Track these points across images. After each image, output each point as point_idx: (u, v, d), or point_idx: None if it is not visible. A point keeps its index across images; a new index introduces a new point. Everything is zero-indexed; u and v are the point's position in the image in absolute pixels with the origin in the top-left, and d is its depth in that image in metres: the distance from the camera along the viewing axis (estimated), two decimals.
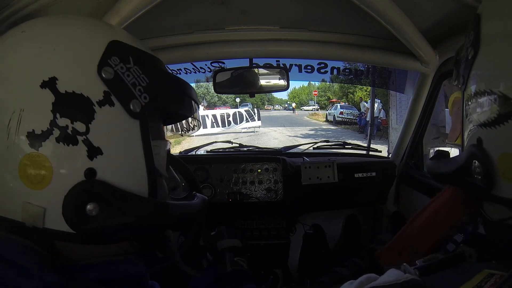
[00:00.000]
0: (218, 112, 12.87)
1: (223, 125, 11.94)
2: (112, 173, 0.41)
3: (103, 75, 0.41)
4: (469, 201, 0.52)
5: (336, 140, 1.93)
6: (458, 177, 0.47)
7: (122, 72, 0.42)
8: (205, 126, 11.56)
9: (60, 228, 0.39)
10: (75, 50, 0.42)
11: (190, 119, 0.61)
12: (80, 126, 0.39)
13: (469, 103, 0.44)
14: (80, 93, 0.40)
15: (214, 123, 11.79)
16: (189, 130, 0.67)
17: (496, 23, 0.42)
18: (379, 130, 10.74)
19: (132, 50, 0.45)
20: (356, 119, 15.27)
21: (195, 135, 11.21)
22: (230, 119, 12.17)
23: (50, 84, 0.39)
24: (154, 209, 0.44)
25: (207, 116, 11.92)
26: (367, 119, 11.17)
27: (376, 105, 9.72)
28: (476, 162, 0.42)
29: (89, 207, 0.39)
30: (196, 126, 0.65)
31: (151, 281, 0.48)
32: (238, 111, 12.89)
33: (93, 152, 0.39)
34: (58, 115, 0.38)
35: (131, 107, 0.42)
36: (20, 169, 0.38)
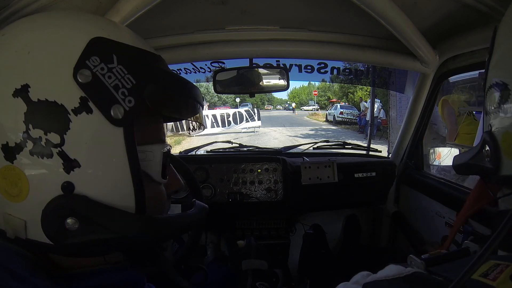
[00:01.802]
0: (218, 112, 12.87)
1: (223, 125, 11.94)
2: (92, 186, 0.38)
3: (79, 79, 0.37)
4: (487, 192, 0.54)
5: (336, 140, 1.93)
6: (473, 164, 0.49)
7: (102, 74, 0.38)
8: (205, 126, 11.54)
9: (42, 240, 0.38)
10: (50, 52, 0.38)
11: (190, 119, 0.58)
12: (54, 137, 0.36)
13: (486, 97, 0.48)
14: (53, 101, 0.36)
15: (214, 123, 11.79)
16: (190, 131, 0.65)
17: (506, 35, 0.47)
18: (379, 130, 10.75)
19: (117, 47, 0.40)
20: (356, 119, 15.28)
21: (195, 135, 11.22)
22: (230, 119, 12.17)
23: (22, 92, 0.36)
24: (139, 224, 0.40)
25: (207, 116, 11.91)
26: (367, 119, 11.17)
27: (376, 105, 9.73)
28: (487, 146, 0.45)
29: (68, 221, 0.37)
30: (196, 128, 0.62)
31: (148, 284, 0.47)
32: (238, 111, 12.88)
33: (70, 164, 0.37)
34: (30, 126, 0.36)
35: (112, 113, 0.38)
36: None
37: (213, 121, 11.78)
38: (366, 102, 12.98)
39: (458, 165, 0.56)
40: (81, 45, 0.38)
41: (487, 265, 0.37)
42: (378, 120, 10.77)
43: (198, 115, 0.53)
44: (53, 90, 0.37)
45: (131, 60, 0.41)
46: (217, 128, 11.67)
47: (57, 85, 0.37)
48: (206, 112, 13.04)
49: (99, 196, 0.38)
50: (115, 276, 0.42)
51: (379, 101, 11.35)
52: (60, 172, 0.37)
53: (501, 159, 0.43)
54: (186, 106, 0.49)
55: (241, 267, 0.88)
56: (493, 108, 0.45)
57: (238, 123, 12.26)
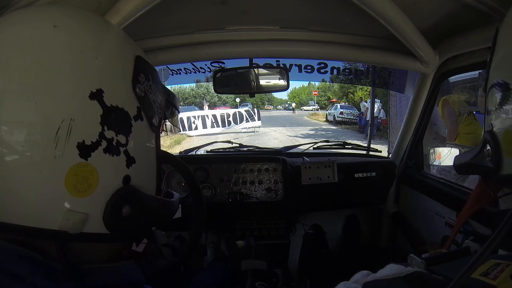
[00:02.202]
0: (218, 112, 12.87)
1: (223, 125, 11.94)
2: (140, 178, 0.46)
3: (137, 92, 0.44)
4: (488, 191, 0.54)
5: (336, 140, 1.93)
6: (475, 163, 0.50)
7: (147, 90, 0.46)
8: (205, 126, 11.57)
9: (95, 231, 0.41)
10: (113, 63, 0.44)
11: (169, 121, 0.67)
12: (122, 139, 0.42)
13: (487, 97, 0.48)
14: (122, 108, 0.42)
15: (214, 123, 11.80)
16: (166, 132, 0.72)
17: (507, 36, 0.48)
18: (379, 130, 10.75)
19: (149, 67, 0.49)
20: (356, 119, 15.28)
21: (195, 135, 11.23)
22: (230, 119, 12.17)
23: (98, 96, 0.40)
24: (164, 206, 0.51)
25: (207, 116, 11.92)
26: (367, 119, 11.18)
27: (376, 105, 9.73)
28: (488, 145, 0.45)
29: (124, 209, 0.42)
30: (170, 129, 0.71)
31: (146, 285, 0.49)
32: (238, 111, 12.88)
33: (130, 161, 0.43)
34: (105, 128, 0.40)
35: (153, 122, 0.47)
36: (67, 178, 0.39)
37: (213, 121, 11.79)
38: (366, 102, 12.98)
39: (459, 165, 0.56)
40: (130, 60, 0.45)
41: (488, 264, 0.37)
42: (378, 120, 10.77)
43: (175, 117, 0.62)
44: (121, 99, 0.43)
45: (156, 78, 0.50)
46: (217, 128, 11.67)
47: (123, 94, 0.43)
48: (207, 112, 13.06)
49: (142, 185, 0.46)
50: (117, 274, 0.44)
51: (379, 101, 11.35)
52: (123, 167, 0.43)
53: (502, 158, 0.43)
54: (173, 113, 0.59)
55: (241, 267, 0.88)
56: (494, 108, 0.45)
57: (238, 123, 12.26)
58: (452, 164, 0.87)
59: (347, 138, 10.42)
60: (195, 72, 1.64)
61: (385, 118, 10.97)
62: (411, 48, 1.12)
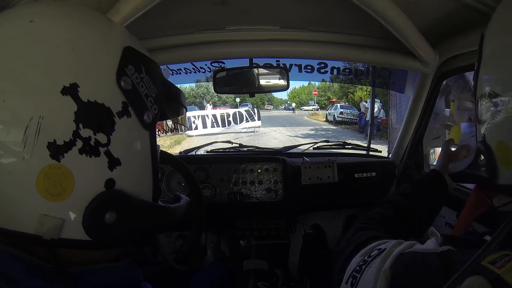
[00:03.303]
0: (218, 112, 12.87)
1: (223, 125, 11.94)
2: (128, 182, 0.42)
3: (122, 85, 0.40)
4: (485, 199, 0.55)
5: (336, 140, 1.93)
6: (470, 173, 0.50)
7: (137, 83, 0.42)
8: (205, 126, 11.57)
9: (76, 237, 0.38)
10: (93, 54, 0.40)
11: (175, 120, 0.64)
12: (102, 138, 0.38)
13: (477, 107, 0.49)
14: (101, 103, 0.39)
15: (214, 123, 11.79)
16: (173, 131, 0.68)
17: (493, 45, 0.48)
18: (379, 130, 10.74)
19: (143, 58, 0.45)
20: (356, 119, 15.27)
21: (195, 135, 11.23)
22: (230, 119, 12.17)
23: (71, 91, 0.37)
24: (160, 213, 0.47)
25: (207, 116, 11.92)
26: (367, 119, 11.17)
27: (376, 105, 9.72)
28: (482, 156, 0.46)
29: (107, 215, 0.39)
30: (177, 128, 0.66)
31: (144, 283, 0.48)
32: (238, 111, 12.88)
33: (113, 163, 0.39)
34: (81, 126, 0.37)
35: (145, 118, 0.43)
36: (38, 181, 0.36)
37: (213, 121, 11.79)
38: (366, 102, 12.98)
39: (455, 174, 0.57)
40: (117, 52, 0.41)
41: (498, 254, 0.38)
42: (378, 120, 10.76)
43: (183, 115, 0.59)
44: (101, 93, 0.39)
45: (151, 71, 0.45)
46: (217, 128, 11.67)
47: (104, 88, 0.39)
48: (207, 112, 13.05)
49: (132, 190, 0.42)
50: (114, 274, 0.43)
51: (379, 101, 11.35)
52: (105, 170, 0.39)
53: (497, 169, 0.44)
54: (178, 110, 0.55)
55: (242, 267, 0.88)
56: (485, 117, 0.45)
57: (238, 123, 12.26)
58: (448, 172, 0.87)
59: (347, 138, 10.41)
60: (195, 72, 1.64)
61: (385, 118, 10.96)
62: (411, 48, 1.12)
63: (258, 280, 0.86)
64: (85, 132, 0.37)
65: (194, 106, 22.55)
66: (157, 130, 0.48)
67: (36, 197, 0.36)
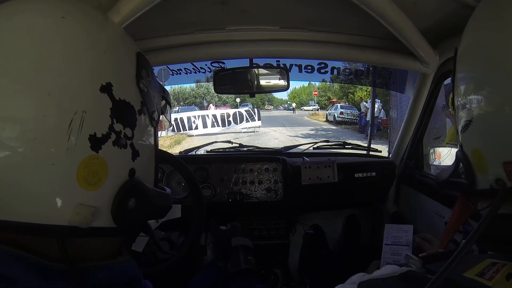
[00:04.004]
0: (218, 112, 12.87)
1: (223, 125, 11.95)
2: (143, 172, 0.46)
3: (141, 87, 0.46)
4: (469, 205, 0.56)
5: (336, 140, 1.93)
6: (452, 181, 0.52)
7: (148, 85, 0.47)
8: (205, 126, 11.58)
9: (103, 225, 0.41)
10: (119, 58, 0.44)
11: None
12: (129, 132, 0.43)
13: (456, 116, 0.51)
14: (128, 102, 0.43)
15: (214, 123, 11.80)
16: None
17: (464, 44, 0.49)
18: (379, 130, 10.75)
19: (148, 64, 0.49)
20: (356, 119, 15.27)
21: (195, 135, 11.23)
22: (230, 119, 12.17)
23: (107, 89, 0.41)
24: (165, 198, 0.52)
25: (207, 116, 11.93)
26: (367, 119, 11.17)
27: (376, 105, 9.71)
28: (461, 164, 0.48)
29: (130, 203, 0.43)
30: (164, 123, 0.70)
31: (144, 280, 0.49)
32: (238, 111, 12.88)
33: (135, 154, 0.44)
34: (114, 121, 0.41)
35: (154, 116, 0.49)
36: (79, 171, 0.38)
37: (213, 121, 11.80)
38: (366, 102, 12.98)
39: (440, 183, 0.58)
40: (133, 57, 0.46)
41: (484, 264, 0.37)
42: (379, 120, 10.76)
43: (166, 113, 0.63)
44: (128, 93, 0.44)
45: (153, 75, 0.51)
46: (217, 128, 11.68)
47: (129, 89, 0.44)
48: (207, 112, 13.06)
49: (145, 178, 0.46)
50: (115, 270, 0.44)
51: (379, 101, 11.35)
52: (129, 161, 0.44)
53: (474, 175, 0.45)
54: (165, 108, 0.60)
55: (231, 244, 0.92)
56: (461, 126, 0.47)
57: (238, 123, 12.26)
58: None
59: (347, 138, 10.41)
60: (195, 72, 1.64)
61: (385, 118, 10.97)
62: (411, 48, 1.12)
63: (247, 254, 0.90)
64: (118, 127, 0.41)
65: (194, 106, 22.59)
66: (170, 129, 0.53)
67: (75, 187, 0.38)
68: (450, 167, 0.52)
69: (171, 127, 11.05)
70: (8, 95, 0.36)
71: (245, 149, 1.87)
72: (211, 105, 19.71)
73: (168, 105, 0.59)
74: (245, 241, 0.95)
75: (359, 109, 14.93)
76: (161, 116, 0.60)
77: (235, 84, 1.43)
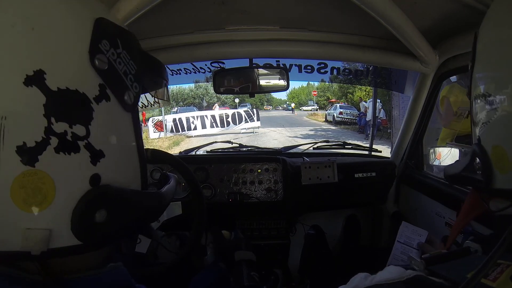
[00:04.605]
0: (217, 112, 12.86)
1: (222, 126, 11.93)
2: (114, 174, 0.37)
3: (97, 65, 0.35)
4: (481, 202, 0.55)
5: (336, 140, 1.93)
6: (465, 175, 0.49)
7: (114, 60, 0.36)
8: (204, 127, 11.57)
9: (67, 244, 0.34)
10: (58, 31, 0.33)
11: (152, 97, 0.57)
12: (80, 130, 0.33)
13: (472, 108, 0.48)
14: (75, 89, 0.33)
15: (213, 123, 11.79)
16: (153, 105, 0.62)
17: (485, 41, 0.47)
18: (379, 130, 10.76)
19: (118, 30, 0.39)
20: (355, 119, 15.28)
21: (194, 136, 11.23)
22: (229, 119, 12.16)
23: (37, 80, 0.31)
24: (152, 200, 0.44)
25: (206, 116, 11.92)
26: (367, 119, 11.18)
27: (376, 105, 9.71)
28: (477, 159, 0.45)
29: (97, 215, 0.35)
30: (158, 103, 0.58)
31: (138, 285, 0.45)
32: (237, 112, 12.87)
33: (96, 156, 0.35)
34: (53, 120, 0.32)
35: (126, 99, 0.38)
36: (13, 193, 0.31)
37: (212, 121, 11.78)
38: (365, 102, 13.00)
39: (450, 176, 0.56)
40: (87, 25, 0.35)
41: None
42: (378, 120, 10.77)
43: (161, 89, 0.54)
44: (72, 77, 0.33)
45: (129, 44, 0.39)
46: (216, 129, 11.66)
47: (75, 71, 0.34)
48: (206, 112, 13.06)
49: (119, 182, 0.37)
50: (104, 280, 0.40)
51: (379, 101, 11.36)
52: (87, 166, 0.34)
53: (492, 173, 0.43)
54: (158, 84, 0.51)
55: (234, 258, 0.91)
56: (480, 120, 0.44)
57: (237, 123, 12.25)
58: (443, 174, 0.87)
59: (346, 138, 10.42)
60: (195, 72, 1.64)
61: (385, 118, 10.98)
62: (411, 48, 1.12)
63: (250, 270, 0.88)
64: (59, 127, 0.32)
65: (193, 107, 22.58)
66: (169, 129, 0.44)
67: (15, 211, 0.31)
68: (464, 160, 0.50)
69: (171, 128, 11.05)
70: None
71: (245, 149, 1.87)
72: (216, 105, 19.68)
73: (162, 80, 0.50)
74: (249, 255, 0.93)
75: (358, 109, 14.95)
76: (152, 94, 0.51)
77: (235, 85, 1.43)
